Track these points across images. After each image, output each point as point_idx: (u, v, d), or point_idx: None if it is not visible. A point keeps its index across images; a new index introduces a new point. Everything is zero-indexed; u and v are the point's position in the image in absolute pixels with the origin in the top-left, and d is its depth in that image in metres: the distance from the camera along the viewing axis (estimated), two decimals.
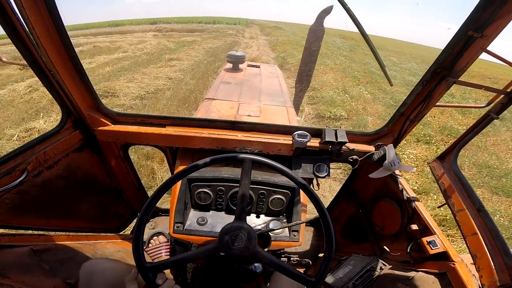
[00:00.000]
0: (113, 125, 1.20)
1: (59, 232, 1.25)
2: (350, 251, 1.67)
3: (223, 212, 1.21)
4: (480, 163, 4.67)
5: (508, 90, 0.91)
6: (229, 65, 3.08)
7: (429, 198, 3.54)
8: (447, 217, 3.03)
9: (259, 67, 3.36)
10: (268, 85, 2.66)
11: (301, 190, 1.05)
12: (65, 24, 0.87)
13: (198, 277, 1.36)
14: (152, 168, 3.40)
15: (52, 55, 0.88)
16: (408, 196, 1.18)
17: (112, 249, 1.42)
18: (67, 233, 1.38)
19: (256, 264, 0.94)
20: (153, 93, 6.28)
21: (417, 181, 3.88)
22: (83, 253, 1.19)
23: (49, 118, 4.41)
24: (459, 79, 0.94)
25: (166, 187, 0.78)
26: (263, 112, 1.93)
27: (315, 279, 0.75)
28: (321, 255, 1.89)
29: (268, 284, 1.08)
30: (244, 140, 1.22)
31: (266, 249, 1.02)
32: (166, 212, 1.99)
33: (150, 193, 3.03)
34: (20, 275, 0.86)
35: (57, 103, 1.05)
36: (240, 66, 3.09)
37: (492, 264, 0.88)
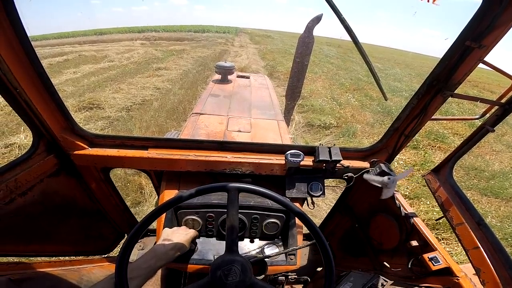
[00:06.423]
0: (90, 148, 1.12)
1: (39, 259, 1.18)
2: (348, 265, 1.62)
3: (214, 238, 1.14)
4: (467, 165, 4.75)
5: (503, 101, 0.89)
6: (218, 76, 3.02)
7: (421, 202, 3.55)
8: (441, 221, 3.03)
9: (249, 78, 3.32)
10: (258, 97, 2.62)
11: None
12: (29, 34, 0.76)
13: None
14: (139, 184, 3.27)
15: (16, 72, 0.78)
16: (406, 212, 1.15)
17: (99, 273, 1.34)
18: (48, 259, 1.29)
19: None
20: (140, 104, 6.16)
21: (408, 186, 3.90)
22: (67, 280, 1.11)
23: (30, 132, 4.19)
24: (455, 91, 0.91)
25: (145, 224, 0.70)
26: (254, 127, 1.87)
27: None
28: (319, 269, 1.83)
29: None
30: (234, 161, 1.15)
31: (262, 276, 0.99)
32: (155, 232, 1.89)
33: (137, 210, 2.93)
34: None
35: (27, 125, 0.96)
36: (229, 77, 3.03)
37: (497, 277, 0.86)
